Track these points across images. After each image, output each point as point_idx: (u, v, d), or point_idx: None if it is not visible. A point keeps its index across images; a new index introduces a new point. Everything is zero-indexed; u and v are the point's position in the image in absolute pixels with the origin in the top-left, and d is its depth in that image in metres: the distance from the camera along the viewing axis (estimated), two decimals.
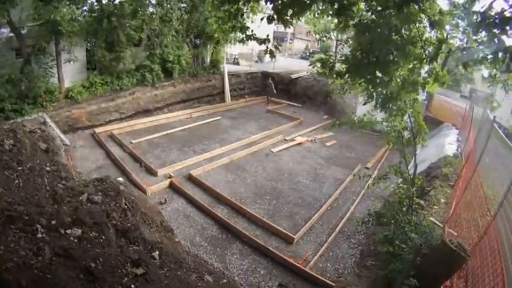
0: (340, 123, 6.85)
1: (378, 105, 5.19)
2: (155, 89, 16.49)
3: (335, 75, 4.84)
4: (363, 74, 4.26)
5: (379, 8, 3.62)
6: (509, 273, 3.76)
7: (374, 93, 4.96)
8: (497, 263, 4.07)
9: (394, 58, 3.94)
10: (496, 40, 2.92)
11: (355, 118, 7.06)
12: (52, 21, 11.47)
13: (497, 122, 7.27)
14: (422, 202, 6.34)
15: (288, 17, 3.87)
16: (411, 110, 5.40)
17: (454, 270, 4.61)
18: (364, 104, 5.44)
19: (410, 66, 4.25)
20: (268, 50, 4.93)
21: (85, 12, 14.17)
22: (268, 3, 3.95)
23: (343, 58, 4.80)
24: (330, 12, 4.11)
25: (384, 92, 4.86)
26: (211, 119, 16.73)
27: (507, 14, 2.76)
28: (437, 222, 6.89)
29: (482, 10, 2.95)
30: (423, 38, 3.83)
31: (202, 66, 19.72)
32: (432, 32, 3.92)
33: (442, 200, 8.02)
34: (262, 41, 4.82)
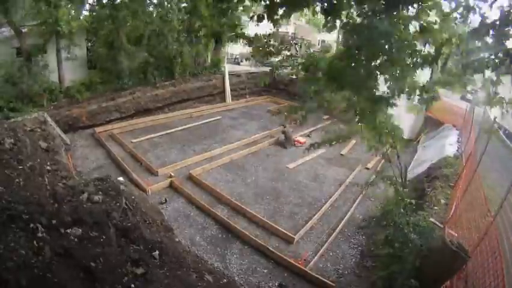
0: (324, 142, 6.84)
1: (356, 118, 5.10)
2: (155, 88, 16.49)
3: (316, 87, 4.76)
4: (346, 79, 4.12)
5: (369, 13, 3.58)
6: (510, 274, 3.76)
7: (355, 104, 4.83)
8: (498, 264, 4.07)
9: (381, 64, 3.89)
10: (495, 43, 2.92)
11: (336, 134, 7.09)
12: (52, 21, 11.48)
13: (497, 122, 7.26)
14: (413, 202, 6.36)
15: (278, 17, 3.83)
16: (386, 125, 5.36)
17: (454, 271, 4.61)
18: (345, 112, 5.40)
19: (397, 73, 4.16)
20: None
21: (85, 12, 14.20)
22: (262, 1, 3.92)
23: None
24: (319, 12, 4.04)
25: (362, 104, 4.74)
26: (212, 119, 16.71)
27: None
28: (437, 223, 6.89)
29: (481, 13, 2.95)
30: (412, 45, 3.76)
31: (202, 65, 19.70)
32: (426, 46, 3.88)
33: (442, 201, 8.01)
34: (250, 41, 4.77)
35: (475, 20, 3.66)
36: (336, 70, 4.13)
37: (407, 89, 4.17)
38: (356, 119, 5.00)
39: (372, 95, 4.12)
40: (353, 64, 3.89)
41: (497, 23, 2.85)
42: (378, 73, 3.94)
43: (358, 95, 4.43)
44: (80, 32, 13.09)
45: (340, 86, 4.29)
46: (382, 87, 4.24)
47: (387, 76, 4.03)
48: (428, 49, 3.88)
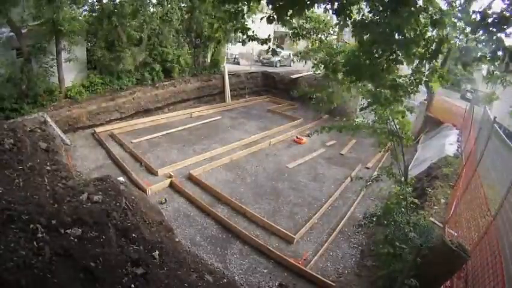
0: (331, 128, 6.92)
1: (379, 107, 5.20)
2: (155, 88, 16.49)
3: (340, 77, 4.84)
4: (364, 74, 4.22)
5: (380, 8, 3.59)
6: (509, 273, 3.76)
7: (378, 95, 4.93)
8: (497, 263, 4.07)
9: (397, 57, 3.92)
10: (494, 39, 2.92)
11: (345, 123, 7.21)
12: (53, 21, 11.47)
13: (497, 122, 7.25)
14: (415, 201, 6.37)
15: (288, 17, 3.84)
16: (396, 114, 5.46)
17: (454, 270, 4.61)
18: (362, 109, 5.50)
19: (413, 66, 4.24)
20: (271, 49, 4.94)
21: (86, 12, 14.17)
22: (269, 2, 3.92)
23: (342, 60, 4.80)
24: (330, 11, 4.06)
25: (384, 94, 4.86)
26: (212, 119, 16.72)
27: (506, 13, 2.75)
28: (437, 223, 6.89)
29: (481, 10, 2.94)
30: (426, 37, 3.80)
31: (202, 66, 19.71)
32: (434, 31, 3.90)
33: (442, 200, 8.01)
34: (263, 41, 4.80)
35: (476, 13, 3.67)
36: (353, 65, 4.20)
37: (425, 79, 4.22)
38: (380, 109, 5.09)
39: (391, 84, 4.19)
40: (369, 59, 3.93)
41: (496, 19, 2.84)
42: (395, 67, 3.99)
43: (377, 86, 4.50)
44: (80, 32, 13.07)
45: (358, 78, 4.36)
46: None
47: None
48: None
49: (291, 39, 7.04)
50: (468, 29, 3.82)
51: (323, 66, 5.34)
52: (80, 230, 3.89)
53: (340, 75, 4.95)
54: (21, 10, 11.37)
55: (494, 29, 2.86)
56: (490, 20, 2.83)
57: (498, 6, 3.00)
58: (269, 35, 4.86)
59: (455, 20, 3.76)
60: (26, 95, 11.79)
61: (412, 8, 3.36)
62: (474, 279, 4.70)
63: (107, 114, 14.26)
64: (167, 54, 16.73)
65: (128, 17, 14.17)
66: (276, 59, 26.08)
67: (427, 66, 4.30)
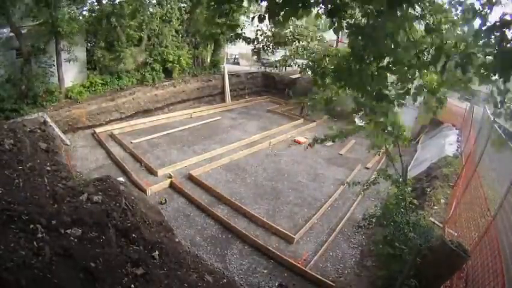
0: (324, 139, 6.93)
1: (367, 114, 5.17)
2: (155, 88, 16.49)
3: (326, 82, 4.77)
4: (353, 81, 4.16)
5: (375, 13, 3.56)
6: (509, 273, 3.77)
7: (364, 103, 4.90)
8: (497, 263, 4.08)
9: (388, 65, 3.89)
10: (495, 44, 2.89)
11: (339, 130, 7.24)
12: (52, 21, 11.48)
13: (497, 122, 7.26)
14: (415, 201, 6.38)
15: (280, 18, 3.81)
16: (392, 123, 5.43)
17: (454, 270, 4.62)
18: (354, 112, 5.48)
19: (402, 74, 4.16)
20: (256, 49, 4.92)
21: (85, 12, 14.17)
22: (263, 2, 3.89)
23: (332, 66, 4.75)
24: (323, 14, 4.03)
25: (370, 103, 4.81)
26: (211, 119, 16.72)
27: (507, 18, 2.73)
28: (437, 223, 6.90)
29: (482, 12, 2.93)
30: (419, 46, 3.75)
31: (202, 66, 19.71)
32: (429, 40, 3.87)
33: (442, 200, 8.02)
34: (250, 41, 4.77)
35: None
36: (342, 70, 4.15)
37: (414, 91, 4.16)
38: (367, 118, 5.07)
39: (378, 94, 4.13)
40: (359, 65, 3.88)
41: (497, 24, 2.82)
42: (386, 74, 3.94)
43: (365, 94, 4.46)
44: (80, 32, 13.07)
45: (346, 84, 4.32)
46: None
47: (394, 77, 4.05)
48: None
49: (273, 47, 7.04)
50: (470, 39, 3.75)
51: (310, 71, 5.29)
52: (80, 230, 3.89)
53: (328, 80, 4.90)
54: (20, 11, 11.36)
55: (496, 34, 2.85)
56: (491, 25, 2.81)
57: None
58: (256, 35, 4.82)
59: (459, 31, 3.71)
60: (25, 96, 11.79)
61: (407, 14, 3.34)
62: (474, 279, 4.71)
63: (107, 115, 14.26)
64: (167, 55, 16.74)
65: (128, 17, 14.20)
66: (275, 59, 26.06)
67: (416, 80, 4.22)
